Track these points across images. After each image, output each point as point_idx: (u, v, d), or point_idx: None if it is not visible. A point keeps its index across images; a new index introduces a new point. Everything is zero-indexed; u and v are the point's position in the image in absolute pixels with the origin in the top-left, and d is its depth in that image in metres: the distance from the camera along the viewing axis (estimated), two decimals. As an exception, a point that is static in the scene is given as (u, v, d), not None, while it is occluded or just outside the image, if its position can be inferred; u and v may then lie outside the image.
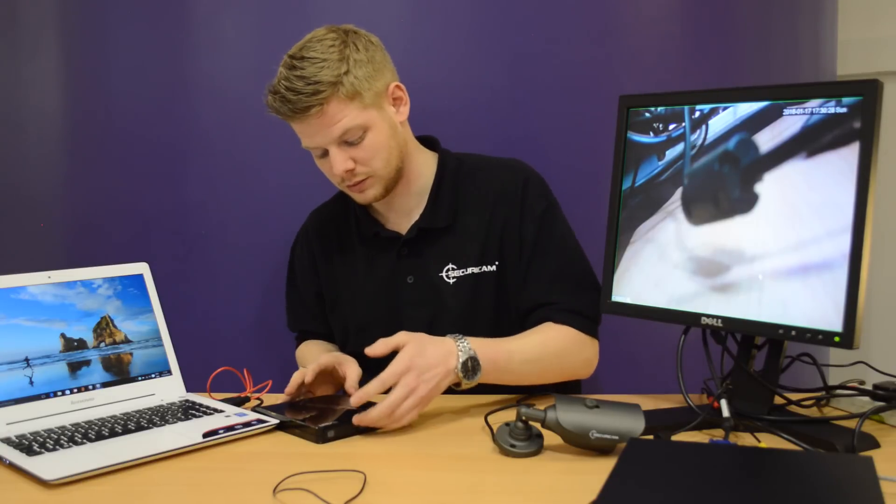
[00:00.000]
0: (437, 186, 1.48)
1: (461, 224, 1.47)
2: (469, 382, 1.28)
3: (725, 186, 1.24)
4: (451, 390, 1.30)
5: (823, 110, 1.15)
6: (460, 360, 1.26)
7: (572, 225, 1.53)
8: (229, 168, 1.82)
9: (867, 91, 1.12)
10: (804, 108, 1.17)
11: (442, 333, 1.30)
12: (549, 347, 1.39)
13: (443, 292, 1.46)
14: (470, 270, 1.46)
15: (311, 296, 1.63)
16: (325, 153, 1.40)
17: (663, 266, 1.30)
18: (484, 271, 1.46)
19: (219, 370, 1.38)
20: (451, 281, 1.46)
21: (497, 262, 1.46)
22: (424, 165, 1.50)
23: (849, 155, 1.12)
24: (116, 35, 1.86)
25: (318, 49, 1.35)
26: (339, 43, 1.36)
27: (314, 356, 1.46)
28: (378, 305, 1.51)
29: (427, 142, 1.54)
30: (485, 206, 1.47)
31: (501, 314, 1.46)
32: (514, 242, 1.46)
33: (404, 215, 1.50)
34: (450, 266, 1.46)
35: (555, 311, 1.42)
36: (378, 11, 1.75)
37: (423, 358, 1.23)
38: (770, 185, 1.20)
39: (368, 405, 1.27)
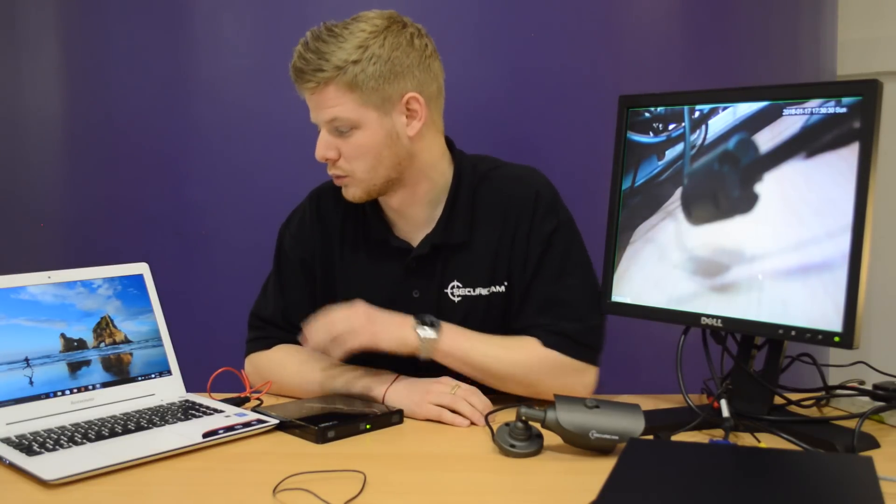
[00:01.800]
0: (453, 198, 1.40)
1: (474, 241, 1.40)
2: (426, 335, 1.31)
3: (725, 186, 1.24)
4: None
5: (823, 110, 1.15)
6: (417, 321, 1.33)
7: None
8: (229, 168, 1.81)
9: (867, 91, 1.12)
10: (804, 109, 1.17)
11: None
12: (518, 365, 1.34)
13: (445, 310, 1.40)
14: (478, 291, 1.40)
15: (310, 281, 1.48)
16: None
17: (663, 266, 1.30)
18: (493, 292, 1.40)
19: (219, 370, 1.38)
20: (456, 299, 1.40)
21: (506, 283, 1.40)
22: (441, 175, 1.41)
23: (848, 155, 1.12)
24: (116, 35, 1.86)
25: (350, 29, 1.29)
26: (372, 32, 1.29)
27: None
28: None
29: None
30: (497, 222, 1.40)
31: (510, 334, 1.39)
32: (521, 261, 1.39)
33: (416, 225, 1.42)
34: (455, 283, 1.40)
35: (541, 332, 1.35)
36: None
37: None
38: (770, 185, 1.20)
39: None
